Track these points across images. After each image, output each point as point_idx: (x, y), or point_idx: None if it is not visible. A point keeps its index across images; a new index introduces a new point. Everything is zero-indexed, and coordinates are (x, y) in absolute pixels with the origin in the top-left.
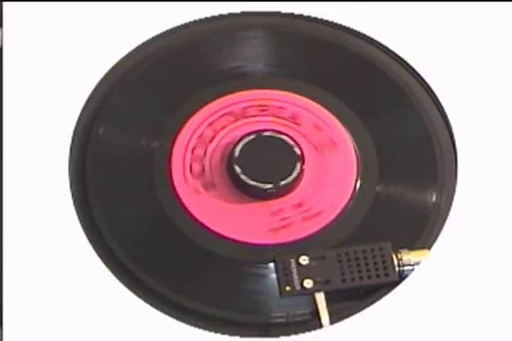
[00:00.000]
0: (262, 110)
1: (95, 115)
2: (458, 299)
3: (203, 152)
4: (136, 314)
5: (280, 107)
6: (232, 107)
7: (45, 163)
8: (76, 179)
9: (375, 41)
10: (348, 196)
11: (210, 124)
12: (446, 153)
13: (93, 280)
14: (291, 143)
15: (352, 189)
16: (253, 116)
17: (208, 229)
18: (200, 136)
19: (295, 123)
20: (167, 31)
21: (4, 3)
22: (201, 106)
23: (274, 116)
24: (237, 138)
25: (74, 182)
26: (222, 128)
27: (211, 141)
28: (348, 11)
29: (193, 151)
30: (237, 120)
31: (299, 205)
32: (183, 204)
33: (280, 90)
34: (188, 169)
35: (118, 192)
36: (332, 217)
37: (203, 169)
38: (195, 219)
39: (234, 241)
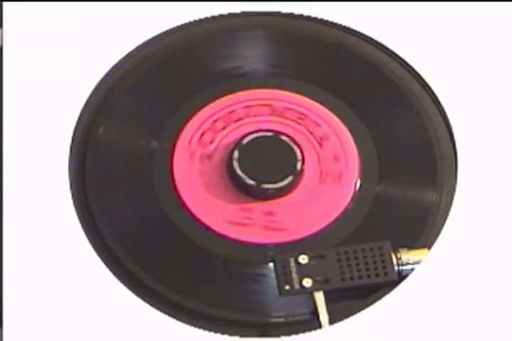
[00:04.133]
0: (262, 110)
1: (95, 115)
2: (458, 299)
3: (203, 153)
4: (136, 314)
5: (283, 107)
6: (232, 108)
7: (45, 163)
8: (76, 179)
9: (376, 41)
10: (349, 196)
11: (210, 125)
12: (446, 153)
13: (93, 280)
14: (290, 142)
15: (352, 189)
16: (253, 116)
17: (208, 228)
18: (201, 136)
19: (298, 123)
20: (167, 31)
21: (4, 3)
22: (201, 107)
23: (274, 115)
24: (237, 138)
25: (74, 182)
26: (223, 128)
27: (212, 141)
28: (348, 11)
29: (193, 151)
30: (237, 120)
31: (301, 204)
32: (183, 204)
33: (280, 90)
34: (187, 169)
35: (118, 192)
36: (332, 216)
37: (203, 169)
38: (196, 219)
39: (234, 240)
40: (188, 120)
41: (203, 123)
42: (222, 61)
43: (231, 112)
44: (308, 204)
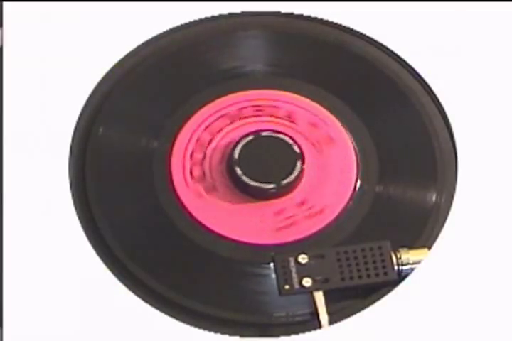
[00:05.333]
0: (259, 110)
1: (95, 115)
2: (458, 299)
3: (202, 153)
4: (136, 314)
5: (275, 106)
6: (232, 108)
7: (45, 163)
8: (76, 179)
9: (376, 41)
10: (348, 196)
11: (209, 125)
12: (446, 153)
13: (93, 280)
14: (290, 142)
15: (352, 189)
16: (253, 116)
17: (208, 229)
18: (200, 136)
19: (292, 122)
20: (167, 31)
21: (4, 3)
22: (201, 107)
23: (271, 116)
24: (236, 139)
25: (74, 182)
26: (222, 128)
27: (211, 141)
28: (348, 11)
29: (192, 152)
30: (236, 121)
31: (301, 204)
32: (183, 204)
33: (279, 90)
34: (188, 169)
35: (118, 192)
36: (332, 216)
37: (204, 171)
38: (195, 219)
39: (234, 241)
40: (187, 120)
41: (202, 123)
42: (222, 61)
43: (231, 113)
44: (309, 205)
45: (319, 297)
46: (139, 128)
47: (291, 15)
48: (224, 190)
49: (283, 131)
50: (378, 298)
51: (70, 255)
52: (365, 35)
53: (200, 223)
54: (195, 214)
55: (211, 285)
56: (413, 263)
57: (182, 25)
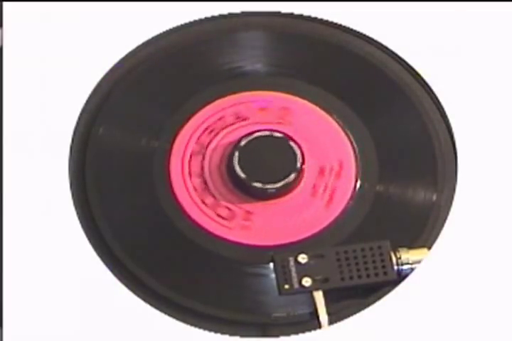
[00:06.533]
0: (261, 111)
1: (95, 115)
2: (458, 299)
3: (202, 153)
4: (136, 314)
5: (275, 107)
6: (232, 108)
7: (45, 163)
8: (76, 179)
9: (375, 41)
10: (348, 196)
11: (209, 125)
12: (446, 153)
13: (93, 280)
14: (291, 142)
15: (352, 189)
16: (252, 116)
17: (207, 230)
18: (200, 136)
19: (291, 122)
20: (167, 31)
21: (4, 3)
22: (201, 107)
23: (272, 116)
24: (237, 139)
25: (74, 182)
26: (222, 129)
27: (211, 141)
28: (348, 11)
29: (192, 152)
30: (236, 121)
31: (301, 204)
32: (182, 204)
33: (279, 90)
34: (187, 170)
35: (118, 192)
36: (332, 216)
37: (204, 171)
38: (194, 221)
39: (234, 242)
40: (188, 120)
41: (202, 123)
42: (222, 61)
43: (231, 113)
44: (309, 204)
45: (319, 297)
46: (139, 128)
47: (291, 15)
48: (223, 190)
49: (283, 131)
50: (378, 298)
51: (70, 255)
52: (365, 35)
53: (198, 226)
54: (193, 216)
55: (211, 285)
56: (413, 263)
57: (182, 25)
